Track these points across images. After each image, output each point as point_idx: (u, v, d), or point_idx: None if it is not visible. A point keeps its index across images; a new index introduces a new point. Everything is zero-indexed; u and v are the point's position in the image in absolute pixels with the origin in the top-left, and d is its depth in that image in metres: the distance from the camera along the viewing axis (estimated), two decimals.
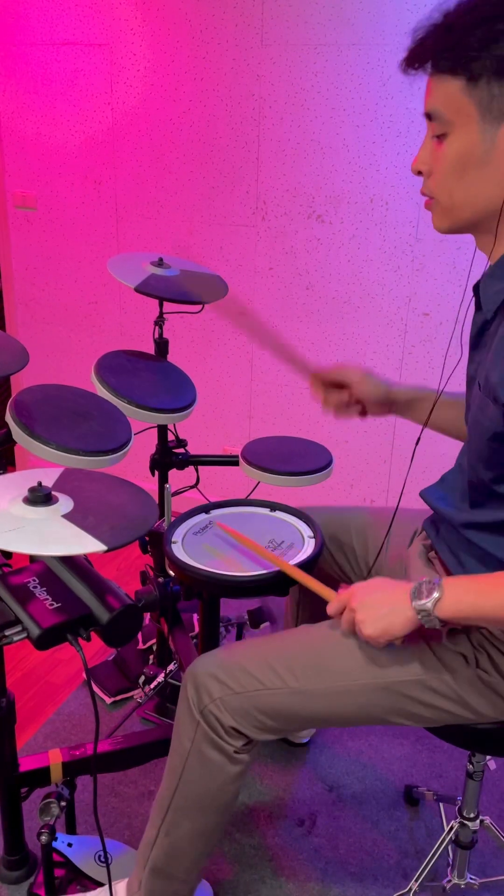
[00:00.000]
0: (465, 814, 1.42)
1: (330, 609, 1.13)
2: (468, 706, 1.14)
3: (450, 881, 1.47)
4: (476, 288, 1.09)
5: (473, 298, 1.12)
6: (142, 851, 1.28)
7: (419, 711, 1.15)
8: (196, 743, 1.17)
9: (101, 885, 1.40)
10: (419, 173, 1.04)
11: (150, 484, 1.76)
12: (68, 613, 1.03)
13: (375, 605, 1.05)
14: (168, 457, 1.95)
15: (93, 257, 2.78)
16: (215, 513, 1.45)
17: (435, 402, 1.31)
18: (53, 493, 1.06)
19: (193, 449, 2.02)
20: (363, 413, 1.42)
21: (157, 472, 1.96)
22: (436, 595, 1.00)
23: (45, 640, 1.01)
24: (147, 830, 1.27)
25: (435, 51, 0.95)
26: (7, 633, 1.03)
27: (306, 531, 1.36)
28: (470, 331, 1.14)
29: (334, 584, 1.56)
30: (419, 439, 1.29)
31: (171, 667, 1.96)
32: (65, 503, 1.05)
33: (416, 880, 1.46)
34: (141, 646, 2.13)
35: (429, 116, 1.00)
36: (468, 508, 1.15)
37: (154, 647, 2.07)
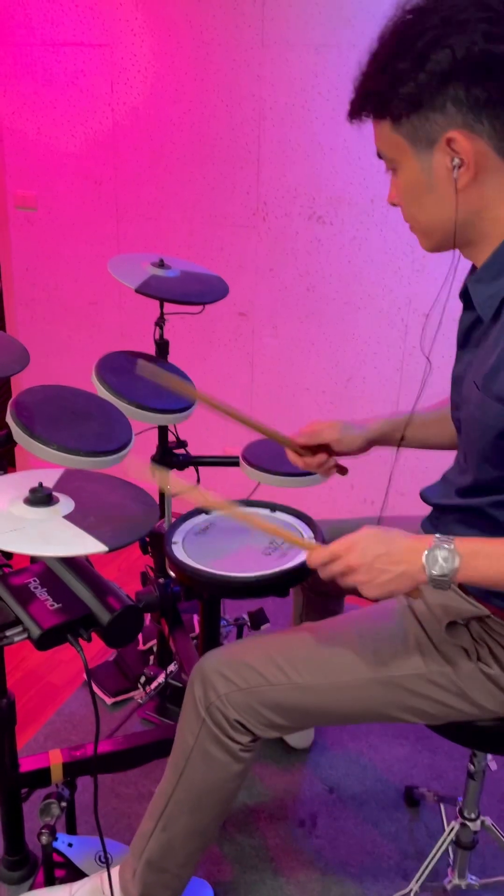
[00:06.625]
0: (465, 814, 1.42)
1: (314, 559, 1.06)
2: (470, 700, 1.15)
3: (450, 882, 1.47)
4: (464, 293, 1.13)
5: (462, 300, 1.15)
6: (137, 841, 1.28)
7: (422, 706, 1.16)
8: (200, 740, 1.18)
9: None
10: (394, 205, 1.12)
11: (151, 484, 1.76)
12: (69, 614, 1.03)
13: (382, 568, 1.00)
14: (168, 457, 1.95)
15: (93, 257, 2.78)
16: (215, 513, 1.45)
17: (407, 422, 1.36)
18: (54, 493, 1.06)
19: (194, 450, 2.02)
20: (342, 471, 1.43)
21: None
22: (455, 564, 0.97)
23: (46, 641, 1.01)
24: (144, 821, 1.28)
25: (360, 101, 1.05)
26: (7, 633, 1.03)
27: (307, 532, 1.36)
28: (458, 331, 1.17)
29: (341, 592, 1.56)
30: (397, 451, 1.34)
31: (172, 667, 1.96)
32: (65, 504, 1.05)
33: (417, 881, 1.46)
34: (141, 646, 2.13)
35: (379, 156, 1.09)
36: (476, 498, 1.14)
37: (154, 648, 2.07)
